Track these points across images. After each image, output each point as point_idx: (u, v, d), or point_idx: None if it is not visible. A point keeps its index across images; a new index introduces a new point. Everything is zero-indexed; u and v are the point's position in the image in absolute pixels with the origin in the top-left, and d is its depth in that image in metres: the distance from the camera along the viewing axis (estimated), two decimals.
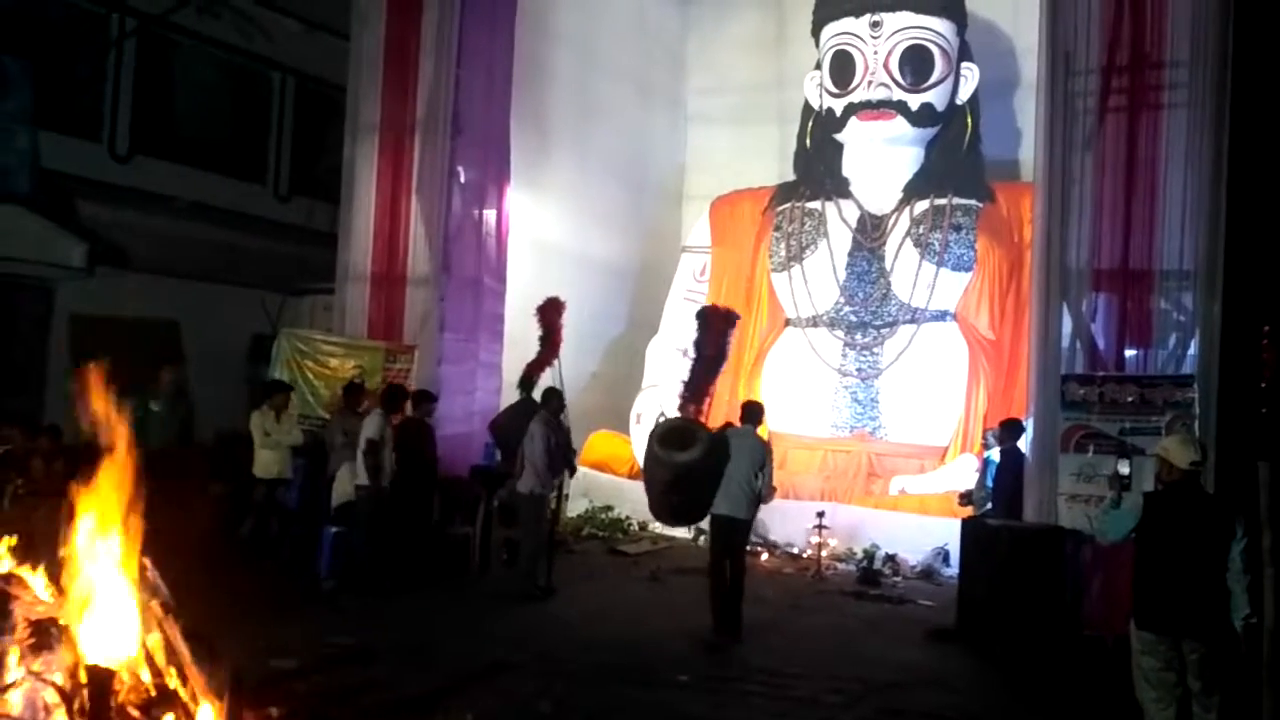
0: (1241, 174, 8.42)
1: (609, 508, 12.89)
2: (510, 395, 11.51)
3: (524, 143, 12.96)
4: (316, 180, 14.57)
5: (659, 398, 13.71)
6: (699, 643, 7.62)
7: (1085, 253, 8.79)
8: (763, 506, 8.32)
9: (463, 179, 12.09)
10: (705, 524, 10.69)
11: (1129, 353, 8.73)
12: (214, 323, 12.99)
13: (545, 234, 13.86)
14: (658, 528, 12.59)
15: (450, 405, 11.50)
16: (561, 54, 14.42)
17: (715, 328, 11.59)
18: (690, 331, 14.44)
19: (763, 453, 8.01)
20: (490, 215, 12.37)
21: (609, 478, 13.39)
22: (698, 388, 11.11)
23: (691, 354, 10.75)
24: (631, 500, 12.97)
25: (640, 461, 13.39)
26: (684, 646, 7.48)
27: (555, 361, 11.41)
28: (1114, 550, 7.64)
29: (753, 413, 8.37)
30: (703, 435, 8.02)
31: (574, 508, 12.59)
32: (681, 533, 12.29)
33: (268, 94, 15.62)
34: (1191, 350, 8.43)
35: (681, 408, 10.60)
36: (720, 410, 12.49)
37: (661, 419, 13.44)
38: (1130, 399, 8.22)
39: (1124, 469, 5.68)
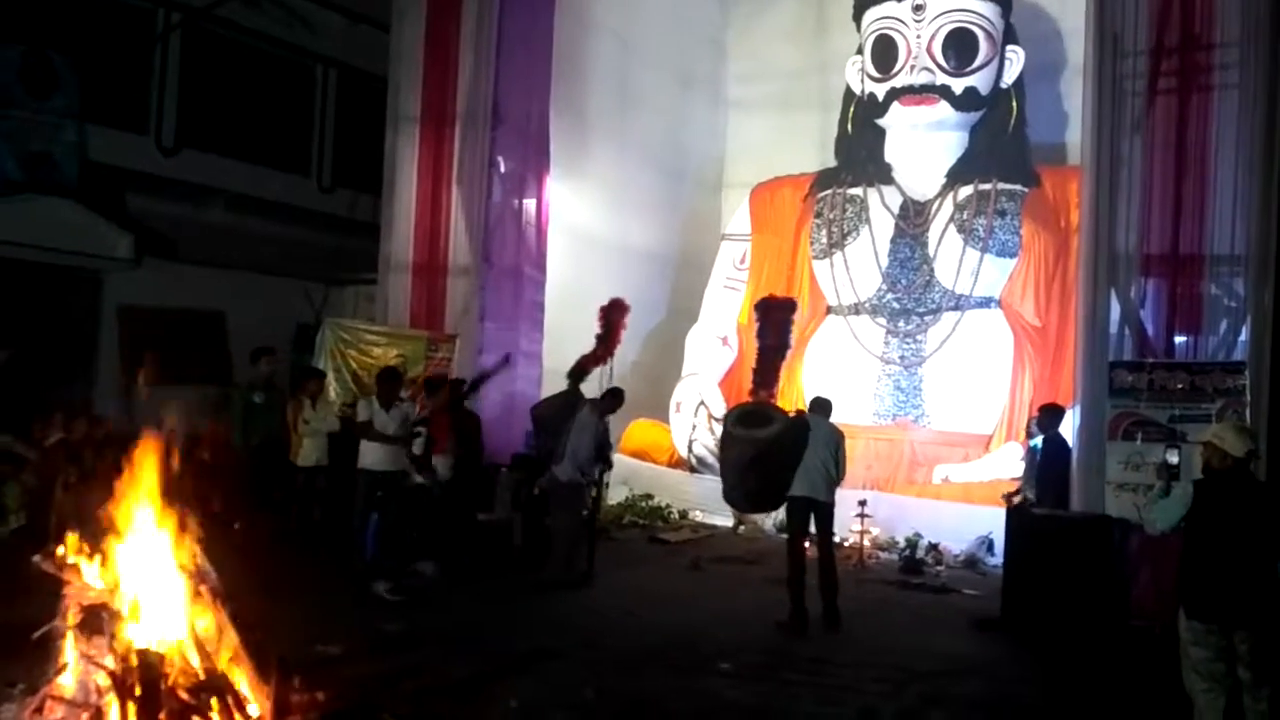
0: None
1: (649, 496, 12.90)
2: (550, 383, 11.56)
3: (563, 132, 12.97)
4: (359, 171, 14.68)
5: (699, 386, 13.69)
6: (740, 631, 7.61)
7: (1134, 237, 8.66)
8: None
9: (503, 169, 12.14)
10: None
11: (1179, 339, 8.61)
12: (259, 313, 13.11)
13: (585, 223, 13.86)
14: (698, 515, 12.61)
15: (491, 394, 11.57)
16: (601, 43, 14.40)
17: (774, 317, 11.64)
18: (730, 320, 14.59)
19: (839, 439, 8.14)
20: (530, 205, 12.40)
21: (649, 466, 13.40)
22: (766, 374, 11.18)
23: (754, 343, 10.80)
24: (671, 488, 13.00)
25: (681, 450, 13.46)
26: (726, 634, 7.47)
27: (610, 359, 11.47)
28: (1163, 539, 7.52)
29: (823, 405, 8.42)
30: (778, 416, 8.03)
31: (614, 496, 12.61)
32: (722, 521, 12.28)
33: (311, 86, 15.74)
34: (1243, 336, 8.29)
35: (753, 393, 10.63)
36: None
37: (700, 404, 13.48)
38: (1180, 386, 8.09)
39: (1173, 458, 5.59)
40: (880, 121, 13.81)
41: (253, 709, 4.67)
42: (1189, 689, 4.94)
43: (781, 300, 12.50)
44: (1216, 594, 4.80)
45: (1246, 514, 4.81)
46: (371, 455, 8.76)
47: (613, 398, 9.39)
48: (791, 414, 8.37)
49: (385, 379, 9.27)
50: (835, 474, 8.02)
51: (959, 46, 13.21)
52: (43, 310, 12.19)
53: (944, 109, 13.30)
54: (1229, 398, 7.90)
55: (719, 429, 13.29)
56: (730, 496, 8.69)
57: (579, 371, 10.83)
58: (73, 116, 12.31)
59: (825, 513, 8.02)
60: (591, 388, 10.63)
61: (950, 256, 13.09)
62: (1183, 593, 4.95)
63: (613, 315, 11.69)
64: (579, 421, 8.99)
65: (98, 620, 4.57)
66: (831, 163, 14.54)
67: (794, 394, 12.50)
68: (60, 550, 4.78)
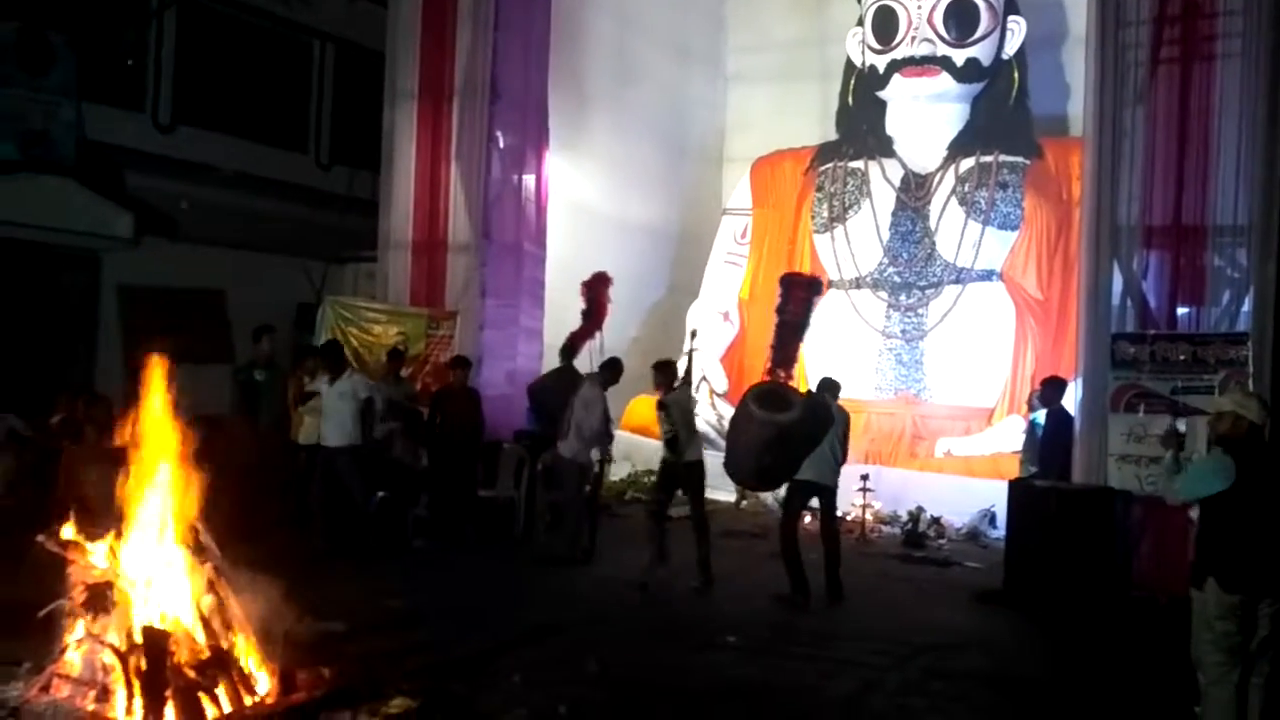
0: None
1: (651, 472, 12.88)
2: (551, 359, 11.56)
3: (562, 106, 12.89)
4: (357, 148, 14.61)
5: (700, 362, 13.67)
6: (744, 605, 7.64)
7: (1136, 209, 8.61)
8: None
9: (501, 144, 12.06)
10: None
11: (1181, 310, 8.58)
12: (259, 291, 13.08)
13: (584, 198, 13.81)
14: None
15: (492, 370, 11.56)
16: (599, 16, 14.29)
17: (796, 294, 11.57)
18: (731, 295, 14.54)
19: (846, 422, 8.26)
20: (529, 180, 12.34)
21: (651, 442, 13.36)
22: (784, 353, 11.10)
23: (774, 318, 10.72)
24: None
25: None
26: (729, 609, 7.50)
27: (598, 333, 11.45)
28: (1165, 510, 7.55)
29: (832, 387, 8.45)
30: (797, 399, 7.99)
31: (616, 472, 12.61)
32: (725, 496, 12.29)
33: (308, 62, 15.64)
34: (1245, 307, 8.26)
35: (770, 372, 10.56)
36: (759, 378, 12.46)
37: (702, 379, 13.46)
38: (1182, 357, 8.09)
39: (1182, 427, 5.54)
40: (881, 94, 13.73)
41: (259, 686, 4.69)
42: (1198, 661, 4.82)
43: (807, 278, 12.40)
44: (1256, 565, 4.68)
45: (1274, 481, 4.74)
46: (322, 429, 8.75)
47: (611, 370, 9.29)
48: (805, 395, 8.30)
49: (328, 353, 9.23)
50: (841, 458, 8.15)
51: (960, 17, 13.11)
52: (41, 290, 12.16)
53: (945, 80, 13.21)
54: (1231, 369, 7.89)
55: (720, 404, 13.33)
56: (737, 472, 8.54)
57: (570, 348, 10.82)
58: (69, 94, 12.23)
59: (829, 496, 8.12)
60: (582, 363, 10.65)
61: (952, 229, 13.05)
62: (1215, 566, 4.76)
63: (596, 289, 11.66)
64: (582, 398, 8.94)
65: (103, 598, 4.58)
66: (832, 135, 14.47)
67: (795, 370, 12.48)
68: (64, 529, 4.79)
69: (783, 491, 11.34)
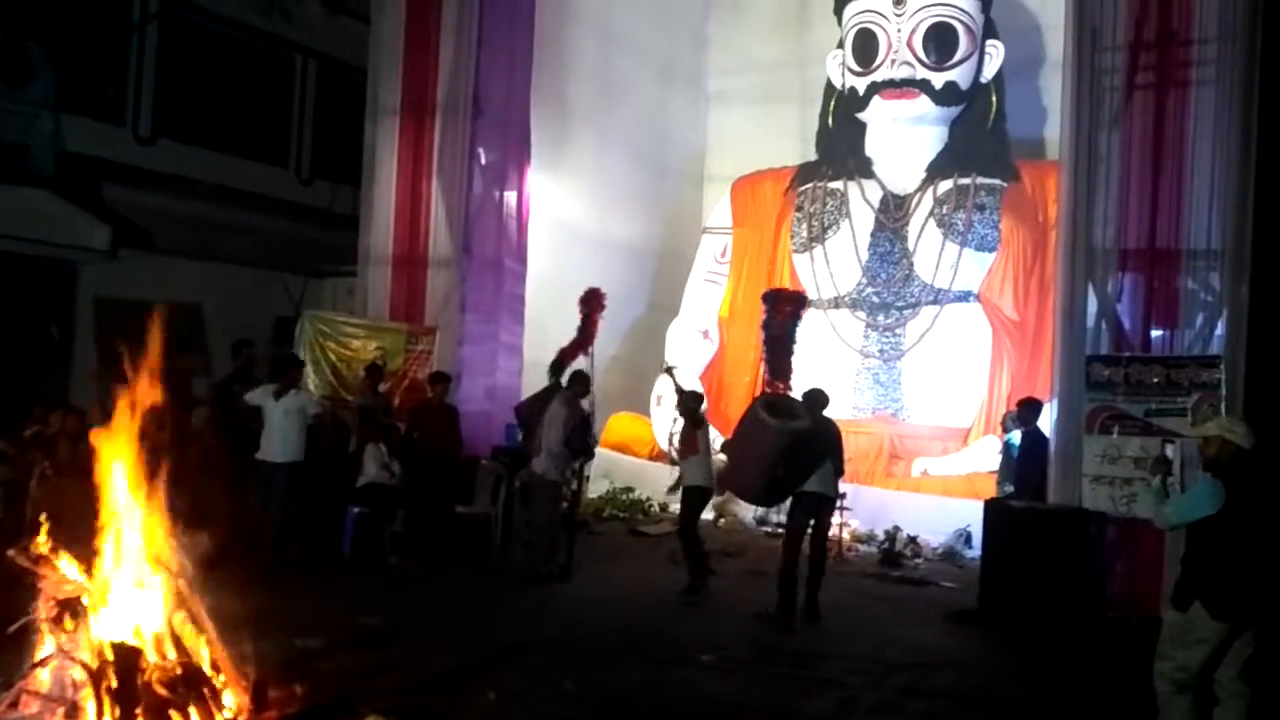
0: (1270, 152, 8.28)
1: (629, 489, 12.89)
2: (530, 376, 11.56)
3: (544, 124, 12.93)
4: (338, 163, 14.60)
5: (679, 379, 13.68)
6: (720, 623, 7.64)
7: (1111, 232, 8.69)
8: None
9: (483, 161, 12.09)
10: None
11: (1155, 333, 8.65)
12: (237, 305, 13.02)
13: (565, 216, 13.84)
14: (678, 510, 12.59)
15: (471, 386, 11.55)
16: (582, 34, 14.36)
17: (782, 309, 11.62)
18: (710, 314, 14.59)
19: (838, 433, 8.24)
20: (511, 197, 12.36)
21: (630, 459, 13.40)
22: (778, 366, 11.09)
23: (760, 335, 10.76)
24: (652, 482, 12.99)
25: (661, 443, 13.43)
26: (706, 627, 7.49)
27: (589, 350, 11.45)
28: (1139, 532, 7.61)
29: (819, 399, 8.27)
30: (801, 409, 7.96)
31: (595, 489, 12.60)
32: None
33: (289, 77, 15.63)
34: (1219, 331, 8.33)
35: (769, 384, 10.54)
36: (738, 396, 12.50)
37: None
38: (1156, 380, 8.13)
39: (1169, 453, 5.57)
40: (861, 115, 13.85)
41: (230, 702, 4.66)
42: (1161, 674, 4.83)
43: (791, 293, 12.55)
44: (1245, 591, 4.69)
45: (1262, 507, 4.77)
46: (265, 445, 8.64)
47: (576, 383, 9.29)
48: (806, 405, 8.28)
49: (286, 365, 9.14)
50: (840, 468, 8.13)
51: (939, 41, 13.25)
52: (18, 301, 12.06)
53: (924, 103, 13.34)
54: (1204, 391, 7.95)
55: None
56: (746, 487, 8.32)
57: (558, 365, 10.81)
58: (48, 106, 12.17)
59: (830, 508, 8.15)
60: None
61: (930, 251, 13.14)
62: (1203, 590, 4.74)
63: (590, 305, 11.69)
64: (550, 414, 8.93)
65: (74, 614, 4.54)
66: (812, 156, 14.57)
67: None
68: (35, 544, 4.75)
69: (762, 510, 11.45)
